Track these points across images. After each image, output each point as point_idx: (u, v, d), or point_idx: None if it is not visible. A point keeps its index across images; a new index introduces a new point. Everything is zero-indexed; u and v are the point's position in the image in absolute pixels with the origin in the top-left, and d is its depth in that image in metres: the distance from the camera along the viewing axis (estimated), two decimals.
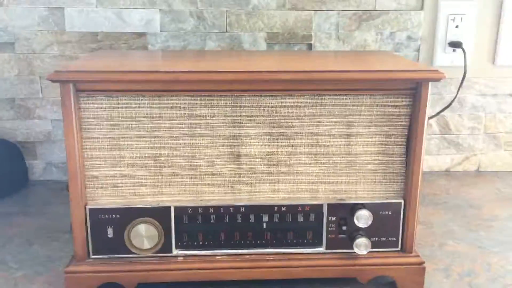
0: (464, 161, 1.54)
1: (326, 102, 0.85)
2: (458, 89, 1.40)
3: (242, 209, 0.87)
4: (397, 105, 0.85)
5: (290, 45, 1.40)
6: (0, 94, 1.40)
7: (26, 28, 1.35)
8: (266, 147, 0.86)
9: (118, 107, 0.82)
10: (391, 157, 0.88)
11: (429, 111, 0.87)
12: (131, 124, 0.83)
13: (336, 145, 0.87)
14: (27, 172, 1.45)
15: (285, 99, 0.84)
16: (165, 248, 0.87)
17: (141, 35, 1.38)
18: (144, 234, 0.86)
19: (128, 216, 0.85)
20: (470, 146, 1.52)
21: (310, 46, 1.40)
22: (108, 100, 0.82)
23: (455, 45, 1.40)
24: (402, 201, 0.88)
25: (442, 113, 1.44)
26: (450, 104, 1.40)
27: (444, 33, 1.40)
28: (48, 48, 1.37)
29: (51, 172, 1.48)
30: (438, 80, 0.82)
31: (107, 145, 0.84)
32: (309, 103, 0.84)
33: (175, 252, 0.88)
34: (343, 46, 1.41)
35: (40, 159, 1.47)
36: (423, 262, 0.90)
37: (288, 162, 0.87)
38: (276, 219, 0.88)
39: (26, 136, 1.44)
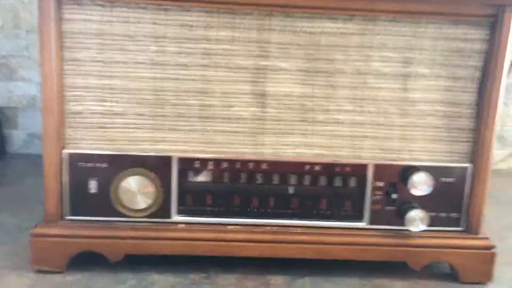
0: (508, 157, 1.37)
1: (378, 30, 0.70)
2: None
3: (264, 166, 0.72)
4: (469, 38, 0.71)
5: None
6: None
7: None
8: (299, 86, 0.71)
9: (112, 21, 0.68)
10: (458, 107, 0.73)
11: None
12: (128, 45, 0.69)
13: (389, 88, 0.72)
14: (4, 143, 1.28)
15: (327, 23, 0.70)
16: (163, 211, 0.72)
17: None
18: (136, 190, 0.71)
19: (118, 165, 0.71)
20: None
21: None
22: (99, 10, 0.68)
23: None
24: (469, 166, 0.73)
25: None
26: None
27: None
28: None
29: (33, 145, 1.30)
30: None
31: (95, 71, 0.70)
32: (357, 29, 0.70)
33: (175, 217, 0.73)
34: None
35: (21, 128, 1.30)
36: (493, 247, 0.75)
37: (326, 107, 0.72)
38: (306, 181, 0.73)
39: (6, 101, 1.28)
